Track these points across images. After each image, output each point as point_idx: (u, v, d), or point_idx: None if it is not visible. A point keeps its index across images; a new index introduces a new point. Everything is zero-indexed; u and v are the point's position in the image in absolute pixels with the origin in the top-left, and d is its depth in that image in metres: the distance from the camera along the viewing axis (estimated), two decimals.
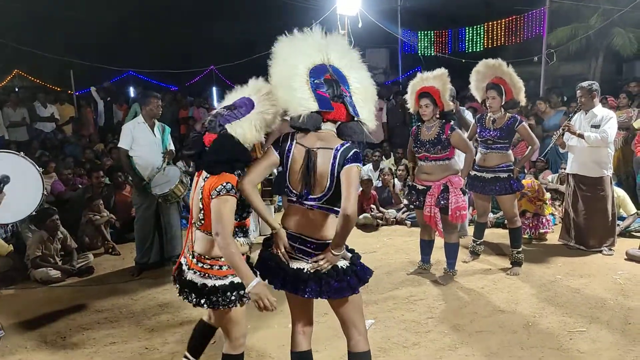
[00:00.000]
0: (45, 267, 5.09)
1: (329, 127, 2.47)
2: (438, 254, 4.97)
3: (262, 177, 2.52)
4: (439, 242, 4.83)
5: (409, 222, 6.87)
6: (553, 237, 5.99)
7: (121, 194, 6.72)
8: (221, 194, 2.36)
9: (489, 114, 4.83)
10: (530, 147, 4.88)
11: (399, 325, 3.86)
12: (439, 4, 14.80)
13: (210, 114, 2.57)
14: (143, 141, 5.06)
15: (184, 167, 7.95)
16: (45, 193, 5.12)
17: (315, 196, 2.42)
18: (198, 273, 2.55)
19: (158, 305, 4.39)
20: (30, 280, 5.08)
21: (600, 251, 5.39)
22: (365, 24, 9.51)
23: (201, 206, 2.48)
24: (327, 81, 2.43)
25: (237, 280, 2.51)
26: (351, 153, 2.37)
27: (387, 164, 8.47)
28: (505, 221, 5.10)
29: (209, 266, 2.55)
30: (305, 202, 2.44)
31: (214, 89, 16.30)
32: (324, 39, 2.50)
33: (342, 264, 2.44)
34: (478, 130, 4.89)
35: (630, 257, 5.17)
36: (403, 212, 7.13)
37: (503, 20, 12.90)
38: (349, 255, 2.51)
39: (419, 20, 14.80)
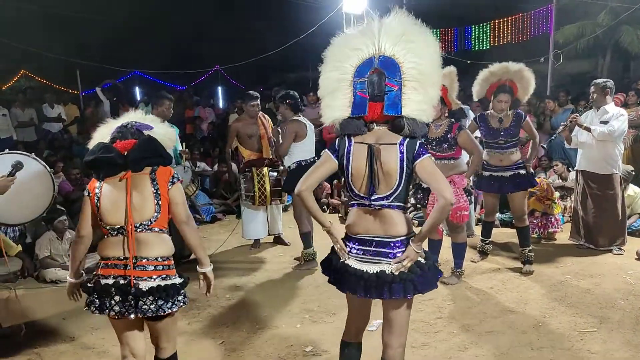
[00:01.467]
0: (54, 267, 5.11)
1: (382, 126, 2.39)
2: (446, 254, 4.94)
3: (319, 182, 2.52)
4: (447, 241, 4.80)
5: (416, 222, 6.83)
6: (562, 236, 5.95)
7: None
8: (175, 181, 2.51)
9: (493, 114, 4.81)
10: (532, 140, 4.99)
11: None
12: (445, 2, 14.74)
13: (116, 128, 2.56)
14: None
15: (191, 167, 7.97)
16: (56, 194, 5.16)
17: (382, 195, 2.35)
18: (159, 277, 2.42)
19: None
20: (39, 280, 5.11)
21: (610, 250, 5.35)
22: None
23: (158, 201, 2.44)
24: (371, 77, 2.31)
25: (182, 277, 2.53)
26: (417, 146, 2.32)
27: None
28: (514, 220, 5.10)
29: (167, 267, 2.47)
30: (373, 202, 2.36)
31: (220, 89, 16.33)
32: (377, 25, 2.33)
33: (419, 260, 2.40)
34: (483, 132, 4.88)
35: None
36: (410, 212, 7.10)
37: (510, 18, 12.86)
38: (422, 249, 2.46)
39: (426, 19, 14.70)
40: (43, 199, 3.87)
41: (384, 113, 2.31)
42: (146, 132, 2.55)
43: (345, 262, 2.43)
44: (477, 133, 5.01)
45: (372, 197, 2.35)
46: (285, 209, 6.85)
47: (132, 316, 2.37)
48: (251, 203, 5.66)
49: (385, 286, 2.33)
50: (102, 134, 2.62)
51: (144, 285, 2.38)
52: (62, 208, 5.50)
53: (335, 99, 2.36)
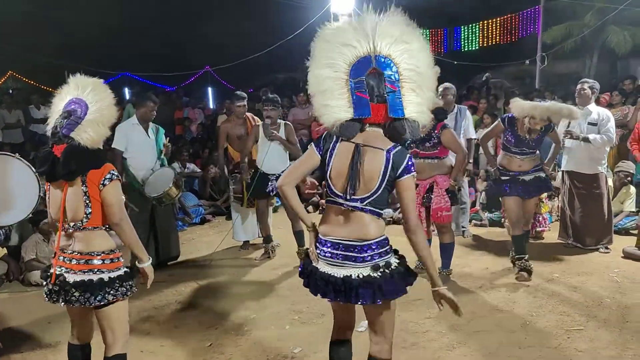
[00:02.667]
0: (39, 269, 5.04)
1: (375, 128, 2.32)
2: (436, 253, 4.94)
3: (302, 177, 2.46)
4: (436, 241, 4.81)
5: None
6: (550, 235, 5.99)
7: None
8: (113, 179, 2.53)
9: (522, 121, 4.51)
10: (555, 146, 4.92)
11: (396, 326, 3.77)
12: (434, 2, 14.80)
13: (50, 128, 2.59)
14: (137, 142, 5.03)
15: (180, 168, 7.93)
16: (42, 195, 5.11)
17: (358, 197, 2.28)
18: (89, 271, 2.51)
19: (153, 307, 4.36)
20: (25, 284, 5.05)
21: (597, 249, 5.39)
22: None
23: (88, 202, 2.50)
24: (370, 77, 2.23)
25: (125, 270, 2.61)
26: (405, 161, 2.26)
27: None
28: (523, 226, 4.77)
29: (100, 261, 2.54)
30: (347, 202, 2.29)
31: (210, 90, 16.27)
32: (371, 24, 2.24)
33: (393, 264, 2.35)
34: (508, 136, 4.63)
35: (627, 255, 5.17)
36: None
37: (498, 19, 12.93)
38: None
39: (415, 19, 14.79)
40: (29, 201, 3.83)
41: (389, 115, 2.25)
42: (75, 131, 2.50)
43: (316, 265, 2.38)
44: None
45: (348, 198, 2.28)
46: (275, 210, 6.84)
47: (61, 304, 2.53)
48: (239, 205, 5.64)
49: (352, 291, 2.26)
50: (56, 110, 2.65)
51: (71, 278, 2.50)
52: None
53: (333, 99, 2.26)
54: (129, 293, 2.61)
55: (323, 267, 2.35)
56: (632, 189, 6.20)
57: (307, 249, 2.45)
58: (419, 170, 4.45)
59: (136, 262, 2.68)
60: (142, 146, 5.04)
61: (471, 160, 6.14)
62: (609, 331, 3.65)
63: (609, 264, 5.03)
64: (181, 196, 7.34)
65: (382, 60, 2.23)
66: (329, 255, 2.33)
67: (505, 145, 4.70)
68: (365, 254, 2.29)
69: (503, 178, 4.69)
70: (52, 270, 2.55)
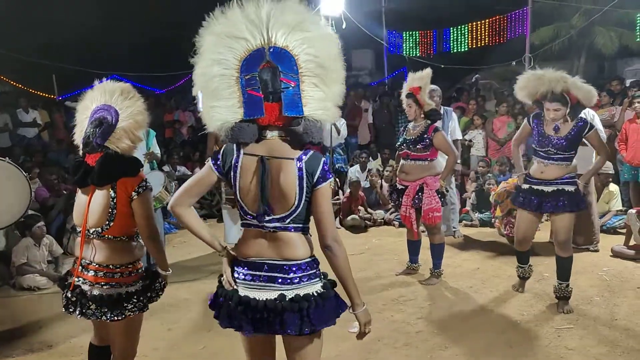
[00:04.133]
0: (32, 273, 5.02)
1: (275, 133, 1.99)
2: (427, 254, 4.98)
3: (195, 197, 2.10)
4: (426, 242, 4.84)
5: (397, 223, 6.89)
6: (540, 235, 6.03)
7: None
8: (146, 189, 2.49)
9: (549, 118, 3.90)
10: (599, 156, 4.06)
11: (389, 326, 3.86)
12: (423, 5, 14.89)
13: (82, 137, 2.55)
14: None
15: (170, 170, 7.90)
16: (32, 198, 5.07)
17: (278, 216, 1.99)
18: (109, 285, 2.46)
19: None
20: (16, 288, 5.01)
21: (587, 248, 5.45)
22: (350, 24, 9.52)
23: (113, 210, 2.46)
24: (263, 72, 1.92)
25: (143, 283, 2.57)
26: (320, 167, 1.97)
27: (374, 164, 8.50)
28: (555, 247, 4.12)
29: (120, 274, 2.49)
30: (266, 224, 1.99)
31: (200, 92, 16.21)
32: (266, 11, 1.91)
33: (316, 289, 2.03)
34: (536, 137, 3.97)
35: (616, 254, 5.24)
36: (391, 213, 7.15)
37: (487, 21, 13.01)
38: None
39: (404, 21, 14.87)
40: (19, 205, 3.81)
41: (284, 114, 1.93)
42: (109, 140, 2.50)
43: (233, 289, 2.04)
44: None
45: (266, 219, 1.99)
46: None
47: (77, 316, 2.49)
48: (231, 207, 5.63)
49: (277, 318, 1.95)
50: (81, 118, 2.62)
51: (89, 290, 2.46)
52: (39, 214, 5.41)
53: (221, 99, 1.96)
54: (145, 308, 2.57)
55: (242, 291, 2.03)
56: (614, 187, 6.25)
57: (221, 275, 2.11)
58: (409, 172, 4.52)
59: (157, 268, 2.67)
60: None
61: (459, 161, 6.19)
62: (599, 329, 3.70)
63: (597, 263, 5.09)
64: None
65: (278, 51, 1.92)
66: (250, 278, 2.02)
67: (533, 148, 4.08)
68: (294, 275, 1.99)
69: (523, 187, 4.08)
70: (70, 279, 2.53)
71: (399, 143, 4.66)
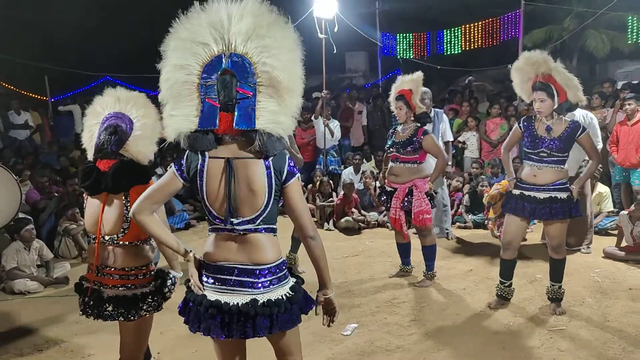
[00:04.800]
0: (21, 278, 4.97)
1: (237, 137, 1.95)
2: (420, 256, 4.97)
3: (159, 204, 2.07)
4: (417, 244, 4.82)
5: (390, 225, 6.88)
6: (532, 236, 6.06)
7: None
8: None
9: (540, 119, 3.83)
10: (590, 160, 3.96)
11: (382, 329, 3.85)
12: (417, 7, 14.93)
13: (95, 143, 2.63)
14: None
15: (164, 172, 7.87)
16: (23, 202, 5.03)
17: (247, 218, 1.97)
18: (125, 287, 2.57)
19: None
20: (6, 292, 4.96)
21: (579, 250, 5.47)
22: (344, 26, 9.51)
23: (127, 217, 2.54)
24: (221, 80, 1.88)
25: (156, 284, 2.66)
26: (286, 163, 1.98)
27: (368, 166, 8.50)
28: (548, 250, 4.06)
29: (134, 277, 2.60)
30: (235, 226, 1.97)
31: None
32: (227, 14, 1.86)
33: (286, 292, 2.04)
34: (527, 139, 3.88)
35: (608, 255, 5.26)
36: (384, 215, 7.14)
37: (480, 23, 13.06)
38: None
39: (398, 23, 14.90)
40: (10, 208, 3.78)
41: (235, 127, 1.90)
42: (124, 148, 2.59)
43: (202, 294, 2.02)
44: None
45: (235, 221, 1.97)
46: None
47: (94, 318, 2.58)
48: None
49: (249, 322, 1.96)
50: (90, 123, 2.71)
51: (107, 293, 2.56)
52: (29, 217, 5.36)
53: (180, 107, 1.93)
54: (159, 308, 2.67)
55: (211, 295, 2.01)
56: (603, 188, 6.26)
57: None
58: (399, 175, 4.51)
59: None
60: None
61: (449, 163, 6.20)
62: (591, 330, 3.71)
63: (590, 264, 5.11)
64: (171, 203, 7.30)
65: (237, 59, 1.87)
66: (219, 282, 2.01)
67: (525, 152, 3.98)
68: (264, 279, 2.00)
69: (514, 192, 4.00)
70: (85, 284, 2.62)
71: (387, 145, 4.67)
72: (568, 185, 3.85)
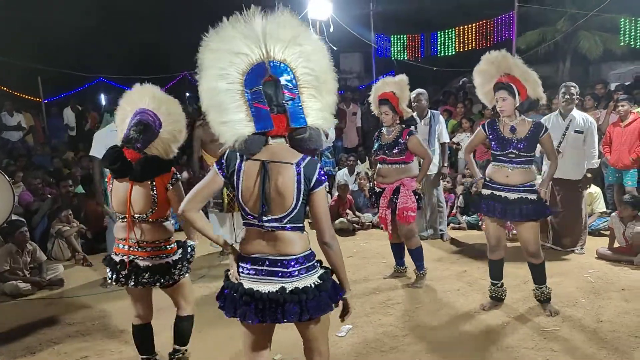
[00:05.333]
0: (14, 280, 4.94)
1: (279, 140, 2.16)
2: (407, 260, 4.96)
3: (204, 201, 2.28)
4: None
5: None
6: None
7: (92, 204, 6.57)
8: (178, 179, 2.98)
9: (503, 120, 3.89)
10: (550, 162, 4.05)
11: (376, 330, 3.86)
12: (411, 8, 14.97)
13: (125, 134, 2.88)
14: None
15: None
16: (15, 204, 5.00)
17: (276, 216, 2.15)
18: (157, 257, 2.95)
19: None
20: None
21: (573, 251, 5.49)
22: (338, 28, 9.53)
23: (155, 199, 2.89)
24: (267, 85, 2.07)
25: (181, 252, 3.05)
26: (316, 172, 2.13)
27: (362, 168, 8.51)
28: (525, 256, 4.01)
29: (165, 247, 2.98)
30: (265, 223, 2.15)
31: (187, 95, 16.14)
32: (261, 26, 2.05)
33: (314, 280, 2.21)
34: (492, 141, 3.94)
35: (601, 256, 5.29)
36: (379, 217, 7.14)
37: (473, 25, 13.12)
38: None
39: (392, 25, 14.94)
40: (2, 209, 3.75)
41: (291, 125, 2.12)
42: (149, 147, 2.88)
43: (239, 282, 2.22)
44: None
45: (265, 219, 2.14)
46: None
47: (133, 285, 2.91)
48: (219, 210, 5.60)
49: (279, 308, 2.13)
50: (124, 110, 2.98)
51: (142, 263, 2.92)
52: (22, 219, 5.33)
53: (230, 113, 2.09)
54: (188, 272, 3.09)
55: (247, 284, 2.20)
56: (595, 189, 6.30)
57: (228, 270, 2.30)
58: (386, 175, 4.52)
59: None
60: None
61: (446, 164, 6.21)
62: (584, 331, 3.73)
63: (583, 265, 5.13)
64: None
65: (277, 65, 2.08)
66: (253, 272, 2.20)
67: (492, 153, 4.00)
68: (292, 269, 2.17)
69: (483, 192, 4.00)
70: (118, 258, 2.95)
71: (374, 149, 4.68)
72: (535, 186, 3.90)
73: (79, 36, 14.79)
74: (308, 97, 2.13)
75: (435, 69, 11.29)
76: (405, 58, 14.13)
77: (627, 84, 10.60)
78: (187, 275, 3.09)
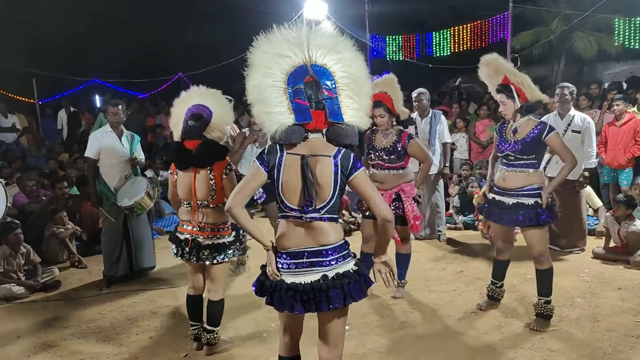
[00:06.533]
0: (8, 283, 4.90)
1: (317, 135, 2.36)
2: (413, 262, 4.91)
3: (249, 197, 2.41)
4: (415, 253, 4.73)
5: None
6: (521, 237, 6.07)
7: (87, 206, 6.53)
8: (231, 170, 3.40)
9: (510, 122, 3.81)
10: (565, 163, 3.74)
11: (373, 331, 3.85)
12: (406, 9, 14.99)
13: (183, 126, 3.38)
14: (110, 150, 4.93)
15: (154, 175, 7.81)
16: (9, 205, 4.95)
17: (315, 207, 2.31)
18: (216, 237, 3.39)
19: (127, 319, 4.27)
20: None
21: (572, 251, 5.50)
22: (334, 28, 9.51)
23: (213, 186, 3.32)
24: (307, 85, 2.30)
25: (234, 234, 3.48)
26: (351, 160, 2.32)
27: None
28: (533, 260, 3.88)
29: (222, 229, 3.43)
30: (306, 215, 2.32)
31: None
32: (305, 34, 2.32)
33: (351, 266, 2.38)
34: (498, 142, 3.88)
35: (597, 256, 5.30)
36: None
37: (469, 25, 13.15)
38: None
39: (387, 25, 14.96)
40: None
41: (329, 119, 2.31)
42: (206, 132, 3.37)
43: (280, 279, 2.35)
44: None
45: (306, 211, 2.31)
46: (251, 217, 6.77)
47: (195, 260, 3.39)
48: None
49: (323, 295, 2.29)
50: (177, 111, 3.51)
51: (203, 242, 3.36)
52: (16, 221, 5.28)
53: (273, 106, 2.31)
54: (236, 253, 3.52)
55: (288, 278, 2.34)
56: (587, 188, 6.30)
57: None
58: (383, 182, 4.23)
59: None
60: (115, 154, 4.95)
61: (447, 164, 6.19)
62: (581, 331, 3.73)
63: (579, 265, 5.14)
64: (161, 206, 7.24)
65: (318, 68, 2.32)
66: (293, 266, 2.34)
67: (498, 155, 3.93)
68: (331, 257, 2.34)
69: (488, 196, 3.95)
70: (182, 237, 3.41)
71: (366, 151, 4.39)
72: (538, 190, 3.68)
73: (73, 39, 14.72)
74: (345, 98, 2.34)
75: (430, 65, 11.32)
76: (401, 58, 14.14)
77: (621, 81, 10.62)
78: (232, 257, 3.48)
